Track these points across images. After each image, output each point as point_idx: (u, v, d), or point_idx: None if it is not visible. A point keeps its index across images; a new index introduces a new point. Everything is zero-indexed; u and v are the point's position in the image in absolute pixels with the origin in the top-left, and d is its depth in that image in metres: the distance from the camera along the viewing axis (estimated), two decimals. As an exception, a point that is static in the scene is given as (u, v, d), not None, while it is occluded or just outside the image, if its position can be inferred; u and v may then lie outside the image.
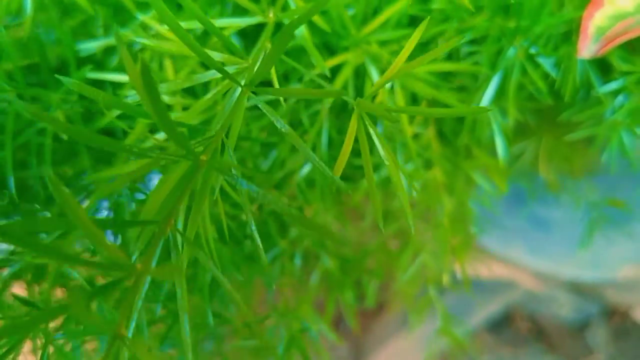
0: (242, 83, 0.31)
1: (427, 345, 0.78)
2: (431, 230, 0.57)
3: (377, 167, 0.55)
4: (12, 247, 0.50)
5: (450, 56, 0.50)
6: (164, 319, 0.43)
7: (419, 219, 0.58)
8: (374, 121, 0.41)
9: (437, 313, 0.65)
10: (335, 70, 0.47)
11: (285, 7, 0.40)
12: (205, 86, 0.45)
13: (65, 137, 0.40)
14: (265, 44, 0.37)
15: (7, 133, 0.38)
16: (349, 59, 0.45)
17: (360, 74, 0.48)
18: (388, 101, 0.46)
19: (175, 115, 0.40)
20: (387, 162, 0.32)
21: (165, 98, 0.41)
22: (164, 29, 0.40)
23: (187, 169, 0.27)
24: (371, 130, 0.32)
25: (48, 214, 0.51)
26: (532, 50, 0.47)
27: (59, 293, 0.50)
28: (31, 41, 0.45)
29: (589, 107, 0.51)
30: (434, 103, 0.52)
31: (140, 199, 0.43)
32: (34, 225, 0.24)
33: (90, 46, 0.43)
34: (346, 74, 0.45)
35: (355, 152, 0.55)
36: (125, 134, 0.45)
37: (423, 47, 0.49)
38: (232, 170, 0.27)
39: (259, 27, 0.42)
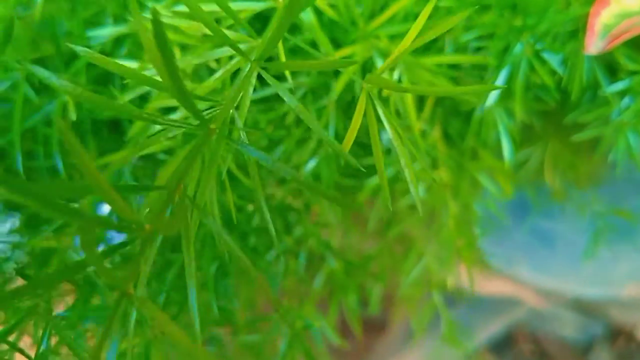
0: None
1: None
2: (435, 232, 0.56)
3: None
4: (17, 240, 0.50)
5: (458, 52, 0.50)
6: (167, 306, 0.42)
7: (424, 221, 0.58)
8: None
9: (439, 332, 0.65)
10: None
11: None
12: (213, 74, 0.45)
13: (74, 117, 0.40)
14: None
15: (15, 116, 0.38)
16: (356, 51, 0.46)
17: (367, 70, 0.48)
18: (396, 96, 0.46)
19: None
20: (393, 141, 0.32)
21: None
22: (174, 20, 0.40)
23: (198, 138, 0.27)
24: (379, 110, 0.32)
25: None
26: (539, 47, 0.47)
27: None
28: (42, 31, 0.45)
29: (595, 108, 0.51)
30: (440, 100, 0.53)
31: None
32: (52, 188, 0.23)
33: (100, 34, 0.43)
34: (349, 73, 0.45)
35: (360, 153, 0.55)
36: (130, 124, 0.45)
37: (430, 43, 0.49)
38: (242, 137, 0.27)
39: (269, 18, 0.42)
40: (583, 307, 1.15)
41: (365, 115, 0.33)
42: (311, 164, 0.49)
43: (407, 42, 0.33)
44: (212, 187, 0.29)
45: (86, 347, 0.40)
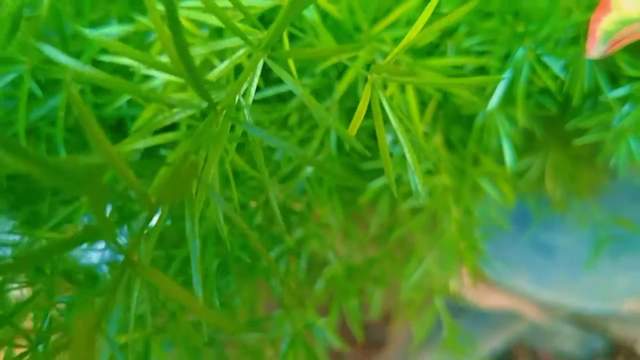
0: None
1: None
2: (437, 237, 0.56)
3: (381, 172, 0.55)
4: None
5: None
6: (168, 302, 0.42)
7: (425, 225, 0.58)
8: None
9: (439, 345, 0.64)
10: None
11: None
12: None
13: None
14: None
15: (20, 108, 0.38)
16: (359, 54, 0.46)
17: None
18: (399, 99, 0.47)
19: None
20: (397, 130, 0.32)
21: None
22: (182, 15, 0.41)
23: (206, 119, 0.27)
24: (383, 100, 0.33)
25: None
26: (541, 51, 0.48)
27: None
28: (48, 32, 0.46)
29: (596, 115, 0.52)
30: (443, 104, 0.53)
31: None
32: (64, 161, 0.24)
33: (106, 33, 0.44)
34: (357, 68, 0.45)
35: (362, 156, 0.55)
36: (133, 120, 0.45)
37: (433, 48, 0.50)
38: (247, 117, 0.27)
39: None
40: (583, 322, 1.14)
41: (365, 116, 0.33)
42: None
43: (409, 37, 0.33)
44: (215, 182, 0.30)
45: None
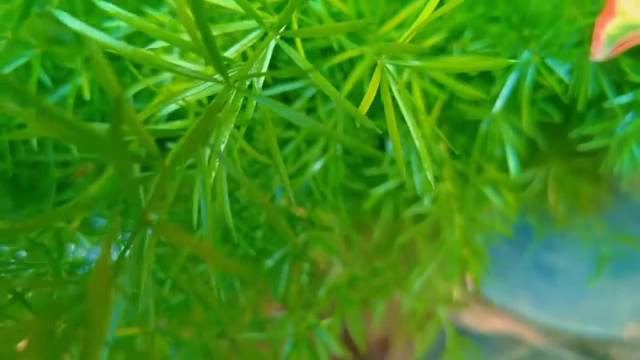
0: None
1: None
2: (441, 244, 0.56)
3: (384, 178, 0.55)
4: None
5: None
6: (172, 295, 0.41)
7: (428, 234, 0.58)
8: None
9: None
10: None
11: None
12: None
13: (88, 98, 0.40)
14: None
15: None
16: (367, 52, 0.46)
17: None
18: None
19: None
20: (405, 115, 0.32)
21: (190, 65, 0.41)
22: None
23: (220, 91, 0.27)
24: (392, 85, 0.33)
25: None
26: (545, 54, 0.48)
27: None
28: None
29: (600, 122, 0.52)
30: (447, 109, 0.53)
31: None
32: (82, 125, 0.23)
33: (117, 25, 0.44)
34: (364, 65, 0.45)
35: (366, 161, 0.55)
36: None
37: (438, 51, 0.50)
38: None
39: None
40: (584, 346, 1.13)
41: (372, 116, 0.33)
42: (319, 164, 0.49)
43: (414, 26, 0.34)
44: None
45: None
